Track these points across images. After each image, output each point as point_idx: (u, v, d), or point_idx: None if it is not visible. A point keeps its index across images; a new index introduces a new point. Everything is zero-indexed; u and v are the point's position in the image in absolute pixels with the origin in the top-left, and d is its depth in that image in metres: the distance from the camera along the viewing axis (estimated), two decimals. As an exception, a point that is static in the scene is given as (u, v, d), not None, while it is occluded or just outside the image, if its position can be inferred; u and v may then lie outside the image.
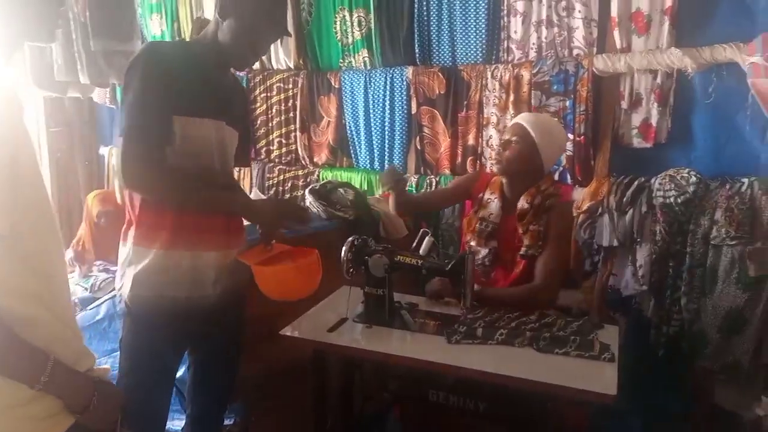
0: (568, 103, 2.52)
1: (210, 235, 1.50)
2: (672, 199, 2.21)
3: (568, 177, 2.60)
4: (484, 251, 1.99)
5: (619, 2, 2.32)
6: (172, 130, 1.39)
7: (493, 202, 2.02)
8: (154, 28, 3.63)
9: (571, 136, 2.54)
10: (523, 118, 2.01)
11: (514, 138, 1.96)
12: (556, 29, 2.52)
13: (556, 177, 2.62)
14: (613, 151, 2.49)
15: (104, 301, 2.28)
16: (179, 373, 1.97)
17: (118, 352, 1.57)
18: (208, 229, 1.49)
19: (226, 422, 1.94)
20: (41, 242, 0.91)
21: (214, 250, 1.51)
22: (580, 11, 2.43)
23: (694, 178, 2.20)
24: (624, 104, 2.41)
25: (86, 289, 2.47)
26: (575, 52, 2.51)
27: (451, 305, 1.90)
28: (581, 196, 2.49)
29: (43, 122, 3.59)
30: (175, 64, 1.42)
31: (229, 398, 1.80)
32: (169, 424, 1.98)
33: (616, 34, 2.36)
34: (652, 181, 2.31)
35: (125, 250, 1.51)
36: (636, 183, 2.35)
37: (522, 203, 1.94)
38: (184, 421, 1.80)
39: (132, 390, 1.36)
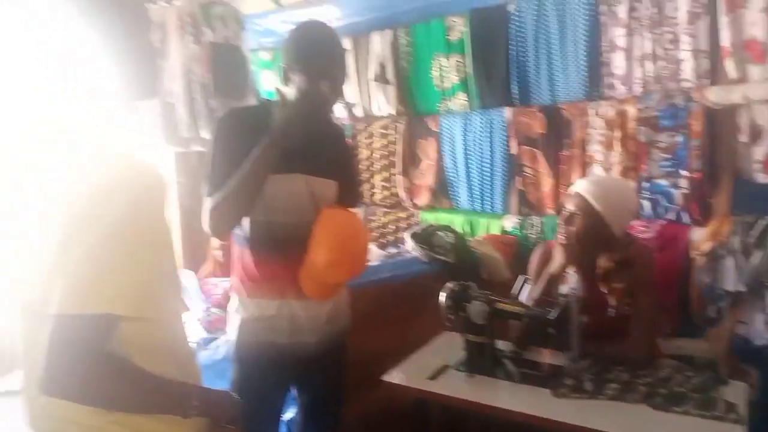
0: (679, 138, 2.39)
1: None
2: (806, 240, 2.00)
3: (685, 216, 2.44)
4: None
5: (731, 31, 2.18)
6: None
7: (571, 275, 1.90)
8: (267, 84, 3.91)
9: (685, 173, 2.39)
10: (583, 188, 1.84)
11: (577, 212, 1.82)
12: (661, 63, 2.41)
13: (672, 216, 2.47)
14: (735, 187, 2.31)
15: (222, 342, 2.44)
16: (289, 415, 2.06)
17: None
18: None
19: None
20: (172, 306, 1.02)
21: (311, 298, 1.58)
22: (688, 43, 2.31)
23: (832, 217, 1.98)
24: (743, 137, 2.24)
25: (205, 330, 2.66)
26: (684, 85, 2.38)
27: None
28: (700, 237, 2.32)
29: (173, 174, 3.97)
30: (244, 128, 1.53)
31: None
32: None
33: (729, 64, 2.21)
34: (782, 220, 2.11)
35: (233, 298, 1.64)
36: (763, 223, 2.15)
37: (604, 262, 1.82)
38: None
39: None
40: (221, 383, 2.25)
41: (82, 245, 0.83)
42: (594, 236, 1.81)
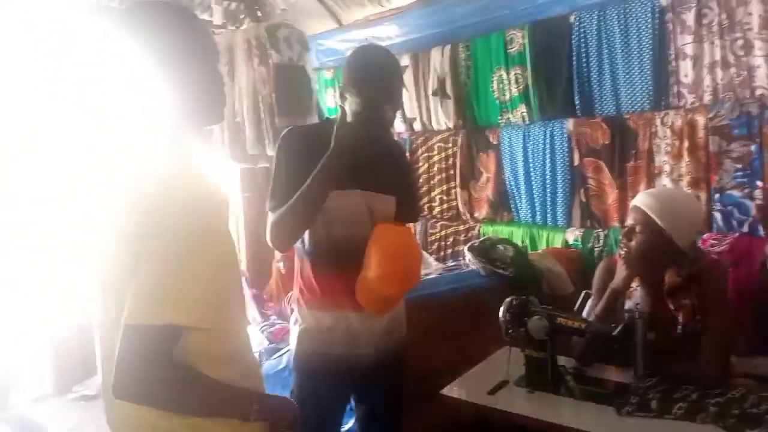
0: (753, 148, 2.28)
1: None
2: None
3: (760, 229, 2.32)
4: None
5: (810, 35, 2.08)
6: None
7: (636, 290, 1.83)
8: (329, 101, 4.03)
9: (760, 183, 2.28)
10: (643, 202, 1.77)
11: (637, 226, 1.75)
12: (733, 70, 2.32)
13: (746, 229, 2.36)
14: (815, 198, 2.18)
15: (285, 352, 2.52)
16: (348, 426, 2.10)
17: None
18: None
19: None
20: (236, 317, 1.07)
21: (366, 311, 1.61)
22: (760, 49, 2.22)
23: None
24: (824, 145, 2.12)
25: (269, 340, 2.76)
26: (758, 92, 2.28)
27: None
28: (777, 251, 2.20)
29: (239, 189, 4.15)
30: (305, 144, 1.58)
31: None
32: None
33: (807, 69, 2.11)
34: None
35: (294, 310, 1.70)
36: None
37: (671, 278, 1.74)
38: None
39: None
40: (284, 391, 2.33)
41: (149, 260, 0.90)
42: (658, 251, 1.75)
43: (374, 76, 1.55)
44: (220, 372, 1.01)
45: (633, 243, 1.78)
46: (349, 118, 1.59)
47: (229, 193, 1.03)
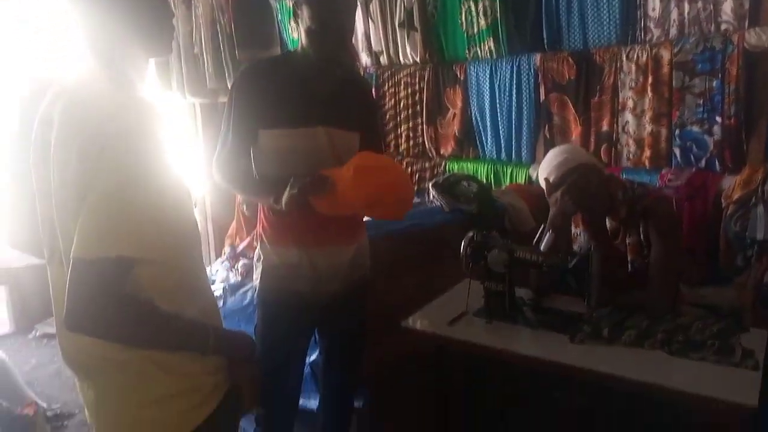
0: (715, 84, 2.30)
1: (325, 233, 1.59)
2: (844, 188, 1.93)
3: (717, 164, 2.37)
4: None
5: (776, -33, 2.06)
6: (248, 143, 1.57)
7: (580, 235, 1.90)
8: (293, 32, 3.87)
9: (719, 119, 2.31)
10: (549, 171, 1.84)
11: (562, 192, 1.80)
12: (700, 3, 2.30)
13: (703, 164, 2.41)
14: (771, 134, 2.23)
15: (249, 288, 2.53)
16: (313, 357, 2.14)
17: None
18: (323, 228, 1.58)
19: (356, 404, 2.06)
20: (188, 252, 1.05)
21: (331, 246, 1.61)
22: (728, -19, 2.19)
23: None
24: (783, 81, 2.14)
25: (236, 275, 2.75)
26: (723, 27, 2.27)
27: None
28: (731, 185, 2.26)
29: (200, 125, 4.02)
30: (261, 83, 1.54)
31: (356, 381, 1.92)
32: (307, 403, 2.16)
33: (771, 3, 2.10)
34: (819, 167, 2.03)
35: (258, 247, 1.69)
36: (798, 170, 2.08)
37: (609, 224, 1.83)
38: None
39: (265, 373, 1.51)
40: (248, 327, 2.34)
41: (95, 192, 0.87)
42: (586, 194, 1.79)
43: None
44: (177, 308, 1.00)
45: (569, 202, 1.81)
46: (302, 40, 1.53)
47: (174, 126, 0.99)
